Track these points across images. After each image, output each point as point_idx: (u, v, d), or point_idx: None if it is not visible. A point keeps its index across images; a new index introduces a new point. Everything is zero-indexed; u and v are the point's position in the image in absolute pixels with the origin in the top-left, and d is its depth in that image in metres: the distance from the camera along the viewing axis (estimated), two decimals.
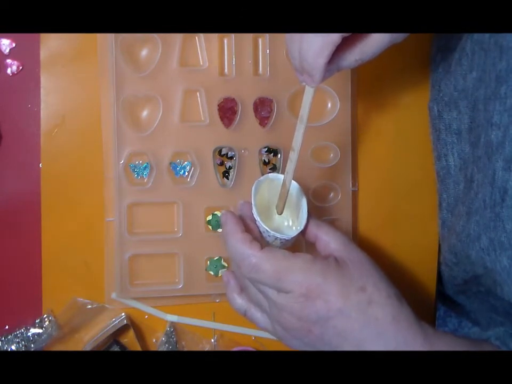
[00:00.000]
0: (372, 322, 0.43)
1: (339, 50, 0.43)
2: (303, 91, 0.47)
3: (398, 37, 0.44)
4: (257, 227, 0.49)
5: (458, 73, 0.57)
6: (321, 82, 0.44)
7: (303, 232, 0.49)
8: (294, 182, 0.50)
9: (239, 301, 0.50)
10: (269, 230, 0.47)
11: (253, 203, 0.48)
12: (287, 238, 0.48)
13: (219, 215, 0.58)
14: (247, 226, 0.48)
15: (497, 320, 0.57)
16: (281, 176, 0.50)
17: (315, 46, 0.42)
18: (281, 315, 0.45)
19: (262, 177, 0.51)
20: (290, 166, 0.48)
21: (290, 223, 0.51)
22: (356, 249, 0.47)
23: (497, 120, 0.47)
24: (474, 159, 0.52)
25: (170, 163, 0.57)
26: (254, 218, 0.48)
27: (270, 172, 0.58)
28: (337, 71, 0.46)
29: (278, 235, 0.48)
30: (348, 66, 0.46)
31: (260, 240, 0.47)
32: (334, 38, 0.41)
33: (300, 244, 0.55)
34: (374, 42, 0.44)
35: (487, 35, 0.51)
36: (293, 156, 0.48)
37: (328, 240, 0.47)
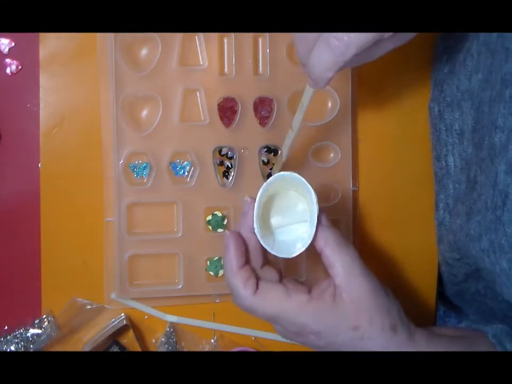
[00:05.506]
0: (362, 351, 0.46)
1: None
2: (303, 90, 0.47)
3: (401, 40, 0.44)
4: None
5: (462, 73, 0.56)
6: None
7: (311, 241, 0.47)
8: (314, 195, 0.46)
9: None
10: (270, 251, 0.46)
11: (255, 220, 0.45)
12: (287, 257, 0.46)
13: (219, 215, 0.58)
14: (249, 247, 0.47)
15: (495, 323, 0.56)
16: (289, 175, 0.47)
17: (326, 62, 0.41)
18: (277, 329, 0.48)
19: (263, 185, 0.46)
20: (288, 141, 0.51)
21: (301, 233, 0.48)
22: (359, 276, 0.46)
23: (501, 123, 0.47)
24: (478, 160, 0.52)
25: (170, 163, 0.57)
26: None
27: (269, 172, 0.59)
28: (340, 70, 0.46)
29: (278, 256, 0.46)
30: (348, 66, 0.45)
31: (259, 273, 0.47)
32: (346, 57, 0.41)
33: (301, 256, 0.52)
34: (378, 46, 0.44)
35: (494, 36, 0.50)
36: (291, 134, 0.51)
37: (333, 262, 0.46)
